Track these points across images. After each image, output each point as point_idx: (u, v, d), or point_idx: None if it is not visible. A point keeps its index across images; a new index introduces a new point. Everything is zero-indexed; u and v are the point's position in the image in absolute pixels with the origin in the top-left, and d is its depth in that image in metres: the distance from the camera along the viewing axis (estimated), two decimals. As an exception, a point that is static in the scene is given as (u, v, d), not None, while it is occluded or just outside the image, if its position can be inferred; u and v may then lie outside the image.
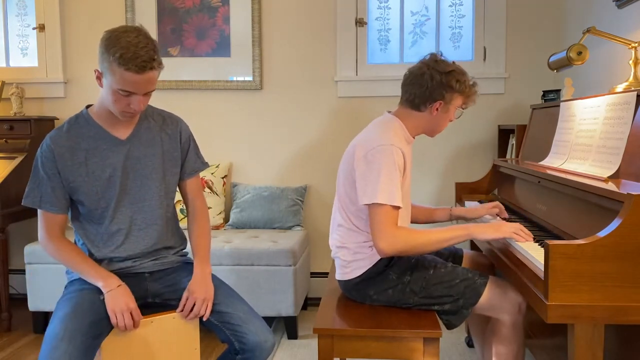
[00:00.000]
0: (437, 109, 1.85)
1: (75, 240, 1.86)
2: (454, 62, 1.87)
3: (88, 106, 1.80)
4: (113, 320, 1.62)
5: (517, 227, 1.76)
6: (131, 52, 1.56)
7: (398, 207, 1.74)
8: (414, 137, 1.92)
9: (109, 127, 1.76)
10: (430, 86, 1.82)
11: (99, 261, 1.78)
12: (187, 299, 1.73)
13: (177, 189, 1.93)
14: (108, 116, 1.75)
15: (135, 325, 1.66)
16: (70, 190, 1.74)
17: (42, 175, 1.72)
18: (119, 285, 1.67)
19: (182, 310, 1.73)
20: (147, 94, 1.66)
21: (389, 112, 1.93)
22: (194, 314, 1.71)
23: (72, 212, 1.81)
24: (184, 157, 1.89)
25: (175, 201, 1.93)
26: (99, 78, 1.65)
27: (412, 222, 2.19)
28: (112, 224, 1.77)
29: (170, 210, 1.88)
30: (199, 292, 1.73)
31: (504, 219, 2.13)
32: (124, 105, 1.64)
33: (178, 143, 1.87)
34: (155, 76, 1.64)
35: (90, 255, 1.79)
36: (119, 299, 1.64)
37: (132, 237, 1.80)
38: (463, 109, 1.91)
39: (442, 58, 1.86)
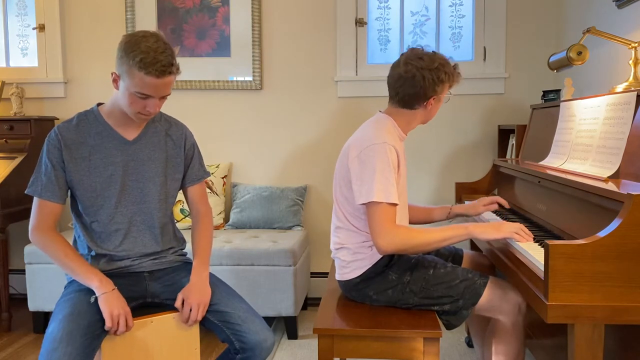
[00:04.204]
0: (431, 104, 1.87)
1: (75, 236, 1.86)
2: (434, 52, 1.86)
3: (99, 104, 1.81)
4: (109, 323, 1.61)
5: (517, 227, 1.75)
6: (151, 56, 1.59)
7: (395, 205, 1.74)
8: (406, 134, 1.93)
9: (118, 126, 1.78)
10: (424, 86, 1.82)
11: (98, 257, 1.79)
12: (182, 301, 1.73)
13: (180, 193, 1.93)
14: (119, 116, 1.76)
15: (128, 328, 1.65)
16: (69, 183, 1.75)
17: (46, 163, 1.73)
18: (113, 289, 1.66)
19: (179, 312, 1.73)
20: (163, 98, 1.69)
21: (381, 111, 1.94)
22: (192, 320, 1.71)
23: (73, 207, 1.81)
24: (188, 164, 1.90)
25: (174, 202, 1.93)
26: (115, 81, 1.68)
27: (411, 222, 2.19)
28: (111, 223, 1.77)
29: (168, 214, 1.89)
30: (193, 297, 1.72)
31: (504, 208, 2.16)
32: (140, 107, 1.67)
33: (182, 149, 1.88)
34: (173, 80, 1.68)
35: (89, 251, 1.79)
36: (115, 302, 1.63)
37: (130, 237, 1.80)
38: (450, 92, 1.92)
39: (423, 51, 1.86)
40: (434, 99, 1.85)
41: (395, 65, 1.88)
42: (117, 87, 1.69)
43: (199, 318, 1.71)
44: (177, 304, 1.73)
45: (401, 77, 1.84)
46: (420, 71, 1.81)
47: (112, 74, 1.68)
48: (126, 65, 1.61)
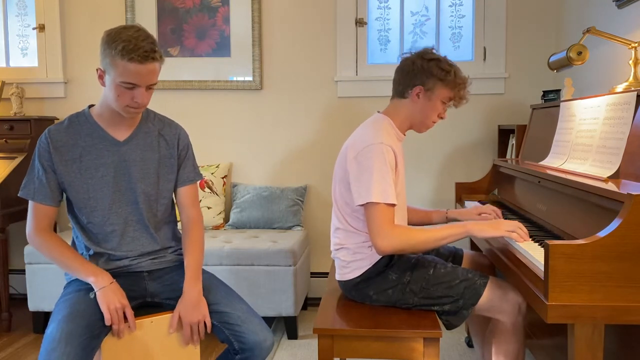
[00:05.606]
0: (417, 95, 1.85)
1: (73, 237, 1.86)
2: (445, 57, 1.87)
3: (91, 106, 1.80)
4: (107, 317, 1.61)
5: (515, 225, 1.75)
6: (132, 44, 1.59)
7: (393, 205, 1.74)
8: (404, 134, 1.93)
9: (109, 127, 1.77)
10: (411, 71, 1.85)
11: (97, 257, 1.78)
12: (179, 316, 1.70)
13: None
14: (109, 116, 1.75)
15: (130, 323, 1.64)
16: (62, 186, 1.75)
17: (38, 167, 1.73)
18: (111, 283, 1.66)
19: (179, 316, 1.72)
20: (150, 88, 1.68)
21: (379, 112, 1.94)
22: (195, 339, 1.71)
23: (69, 208, 1.81)
24: (180, 164, 1.88)
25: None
26: (101, 77, 1.67)
27: (409, 224, 2.19)
28: (107, 224, 1.77)
29: (164, 215, 1.87)
30: (191, 316, 1.69)
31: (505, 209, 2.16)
32: (128, 99, 1.65)
33: (175, 149, 1.86)
34: (157, 68, 1.66)
35: (88, 251, 1.79)
36: (112, 296, 1.63)
37: (127, 237, 1.80)
38: (455, 106, 1.91)
39: (434, 51, 1.88)
40: (421, 90, 1.84)
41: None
42: (103, 84, 1.68)
43: (202, 333, 1.70)
44: (173, 322, 1.71)
45: (399, 63, 1.90)
46: (413, 57, 1.87)
47: (97, 70, 1.67)
48: (109, 57, 1.61)
